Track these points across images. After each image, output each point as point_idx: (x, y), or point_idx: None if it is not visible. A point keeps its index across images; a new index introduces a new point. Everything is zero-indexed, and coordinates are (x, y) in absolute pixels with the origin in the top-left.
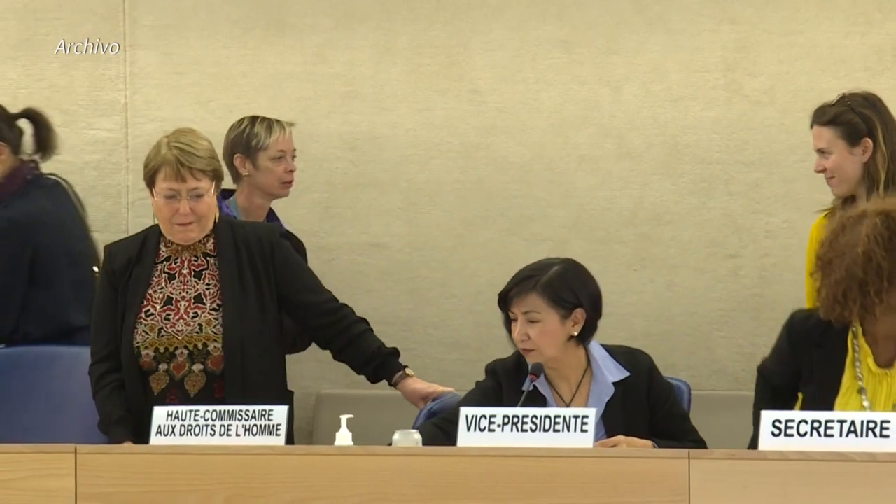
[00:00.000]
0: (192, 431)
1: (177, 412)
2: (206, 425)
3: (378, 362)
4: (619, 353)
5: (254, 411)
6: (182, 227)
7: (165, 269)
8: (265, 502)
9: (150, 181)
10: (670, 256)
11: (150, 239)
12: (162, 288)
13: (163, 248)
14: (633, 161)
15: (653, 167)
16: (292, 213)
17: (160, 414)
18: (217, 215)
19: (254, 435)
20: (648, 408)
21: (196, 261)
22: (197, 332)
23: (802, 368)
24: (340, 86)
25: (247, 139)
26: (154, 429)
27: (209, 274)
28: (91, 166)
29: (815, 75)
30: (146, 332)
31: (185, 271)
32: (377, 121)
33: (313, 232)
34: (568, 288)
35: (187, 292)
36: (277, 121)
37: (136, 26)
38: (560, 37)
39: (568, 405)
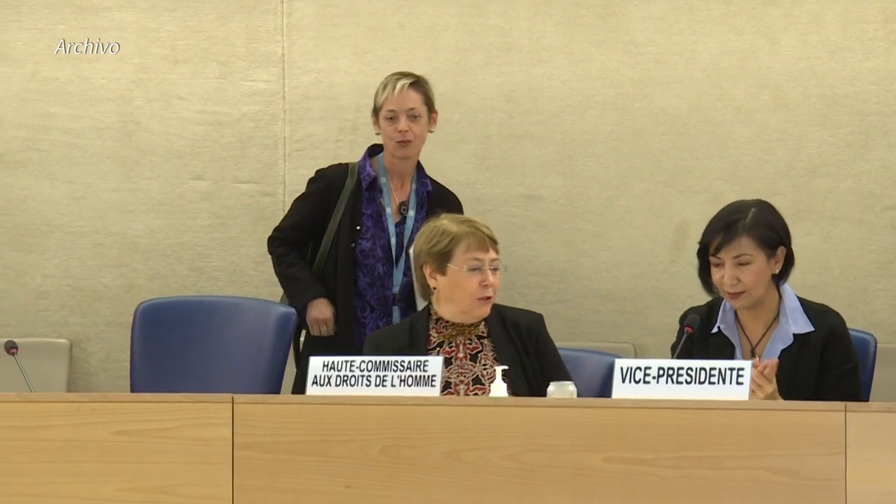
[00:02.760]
0: (348, 382)
1: (332, 362)
2: (362, 376)
3: None
4: (812, 309)
5: (409, 362)
6: (483, 301)
7: (442, 353)
8: (420, 453)
9: (447, 258)
10: (827, 208)
11: (416, 327)
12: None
13: (433, 335)
14: (790, 112)
15: (810, 119)
16: (448, 165)
17: (316, 364)
18: None
19: (409, 386)
20: (820, 365)
21: (470, 343)
22: None
23: None
24: (496, 37)
25: (374, 100)
26: (310, 379)
27: (484, 356)
28: (248, 118)
29: None
30: None
31: (460, 355)
32: (533, 72)
33: (469, 183)
34: (770, 227)
35: (465, 375)
36: (400, 77)
37: None
38: None
39: (753, 347)
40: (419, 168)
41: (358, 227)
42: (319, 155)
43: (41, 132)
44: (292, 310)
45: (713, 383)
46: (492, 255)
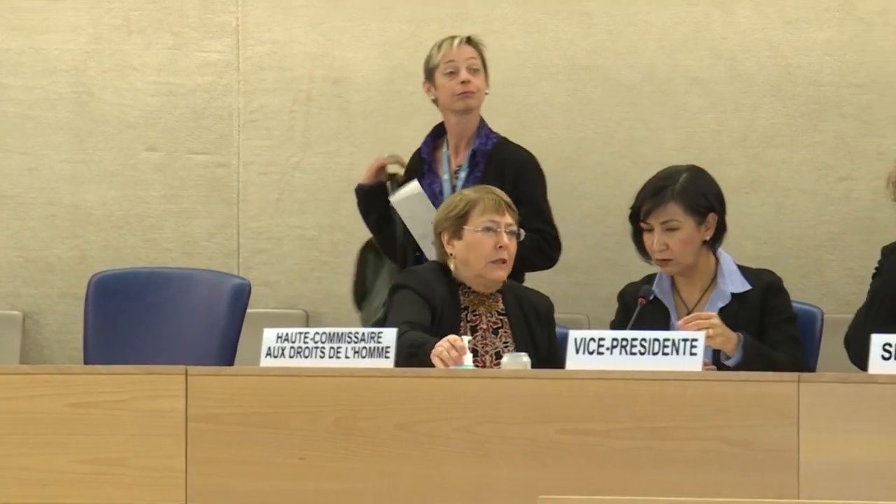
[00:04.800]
0: (302, 354)
1: (287, 334)
2: (316, 347)
3: None
4: (749, 270)
5: (363, 334)
6: (498, 264)
7: (468, 320)
8: (374, 424)
9: (463, 221)
10: (781, 179)
11: (452, 286)
12: (468, 339)
13: (462, 297)
14: (745, 83)
15: (764, 89)
16: (403, 136)
17: (270, 336)
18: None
19: (363, 357)
20: (762, 314)
21: (491, 317)
22: None
23: None
24: (451, 8)
25: (426, 63)
26: (264, 351)
27: (504, 333)
28: (202, 88)
29: None
30: None
31: (483, 326)
32: (487, 42)
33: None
34: (700, 193)
35: (488, 348)
36: (455, 36)
37: None
38: None
39: (690, 311)
40: (481, 128)
41: None
42: (274, 126)
43: None
44: (246, 281)
45: (667, 354)
46: (507, 219)
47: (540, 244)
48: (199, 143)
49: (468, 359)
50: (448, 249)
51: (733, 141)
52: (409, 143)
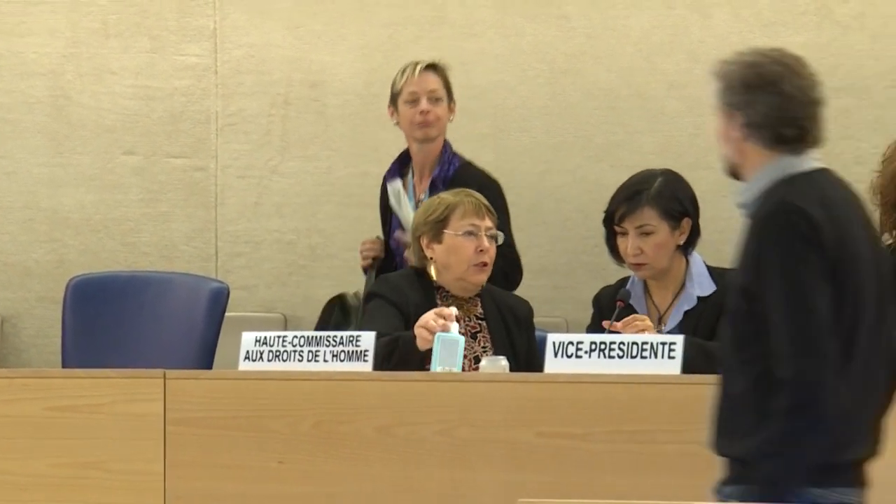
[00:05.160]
0: (281, 357)
1: (265, 337)
2: (294, 351)
3: None
4: (717, 271)
5: (342, 337)
6: (479, 267)
7: None
8: (353, 428)
9: (443, 225)
10: None
11: (428, 291)
12: (455, 311)
13: (440, 302)
14: None
15: None
16: (381, 140)
17: (248, 339)
18: None
19: (341, 361)
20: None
21: (470, 322)
22: None
23: None
24: (429, 11)
25: (391, 88)
26: (242, 354)
27: (482, 337)
28: (180, 92)
29: None
30: None
31: (462, 330)
32: (465, 46)
33: None
34: (675, 197)
35: (467, 352)
36: (419, 63)
37: None
38: None
39: (661, 315)
40: (444, 154)
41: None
42: (252, 129)
43: None
44: (224, 285)
45: (645, 357)
46: (487, 222)
47: (504, 268)
48: (177, 147)
49: (454, 327)
50: (428, 253)
51: (710, 145)
52: (387, 146)
